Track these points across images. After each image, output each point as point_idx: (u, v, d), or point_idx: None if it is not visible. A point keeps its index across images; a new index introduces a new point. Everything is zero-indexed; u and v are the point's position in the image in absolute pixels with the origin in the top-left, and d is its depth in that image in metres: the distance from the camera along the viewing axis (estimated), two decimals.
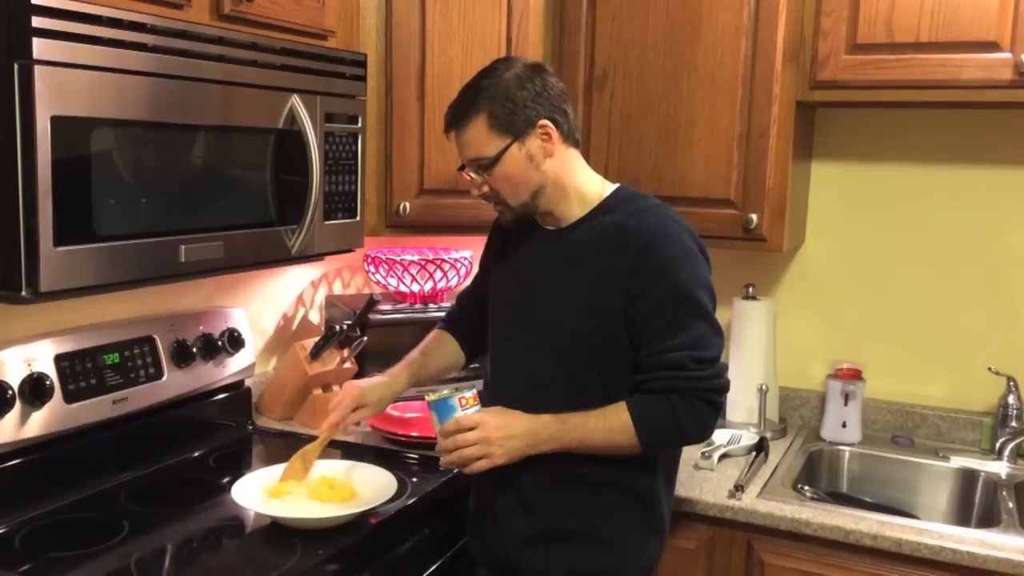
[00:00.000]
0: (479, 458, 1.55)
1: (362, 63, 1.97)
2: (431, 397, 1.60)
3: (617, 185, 1.70)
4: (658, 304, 1.57)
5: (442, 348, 1.91)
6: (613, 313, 1.58)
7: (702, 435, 1.66)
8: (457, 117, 1.62)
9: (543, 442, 1.58)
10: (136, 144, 1.49)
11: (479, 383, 1.63)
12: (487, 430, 1.55)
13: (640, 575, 1.67)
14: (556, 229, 1.68)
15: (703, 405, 1.58)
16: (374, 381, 1.82)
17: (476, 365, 2.37)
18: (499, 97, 1.58)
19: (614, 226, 1.61)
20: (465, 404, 1.57)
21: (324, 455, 1.84)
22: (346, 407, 1.76)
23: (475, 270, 1.98)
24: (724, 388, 1.62)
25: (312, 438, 2.15)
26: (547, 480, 1.61)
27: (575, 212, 1.66)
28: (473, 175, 1.64)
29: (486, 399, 1.79)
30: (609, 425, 1.57)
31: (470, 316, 1.89)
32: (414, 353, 1.89)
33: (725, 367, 1.63)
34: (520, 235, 1.72)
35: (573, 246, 1.64)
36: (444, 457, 1.58)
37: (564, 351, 1.62)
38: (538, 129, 1.60)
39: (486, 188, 1.64)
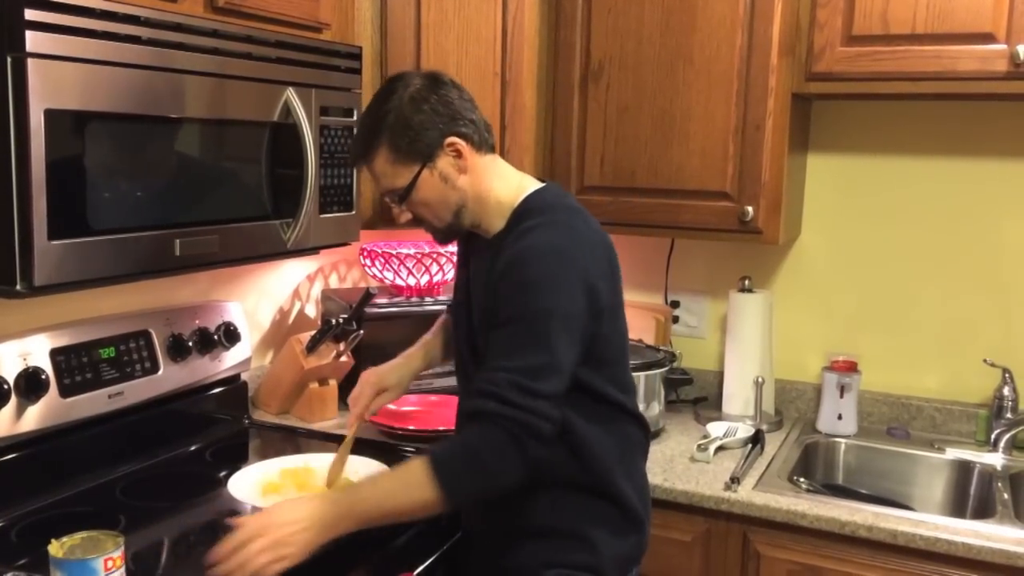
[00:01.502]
0: (273, 562, 1.35)
1: (357, 56, 1.96)
2: (58, 552, 1.25)
3: (535, 188, 1.60)
4: (502, 323, 1.47)
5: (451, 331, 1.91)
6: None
7: (508, 476, 1.43)
8: (358, 153, 1.56)
9: (333, 523, 1.40)
10: (130, 137, 1.48)
11: (122, 538, 1.30)
12: (273, 531, 1.35)
13: (619, 569, 1.65)
14: (488, 242, 1.61)
15: (507, 439, 1.40)
16: (391, 364, 1.82)
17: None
18: (397, 126, 1.50)
19: (507, 246, 1.52)
20: (112, 567, 1.26)
21: (323, 450, 1.86)
22: (367, 396, 1.76)
23: None
24: (537, 430, 1.41)
25: (310, 432, 2.17)
26: (522, 482, 1.59)
27: (496, 224, 1.58)
28: (392, 205, 1.59)
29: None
30: (408, 480, 1.42)
31: None
32: (427, 335, 1.89)
33: (554, 416, 1.44)
34: (468, 242, 1.69)
35: (495, 259, 1.56)
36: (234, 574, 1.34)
37: None
38: (446, 148, 1.53)
39: (408, 215, 1.59)
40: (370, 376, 1.79)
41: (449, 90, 1.55)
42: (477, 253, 1.63)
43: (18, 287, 1.34)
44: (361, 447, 1.97)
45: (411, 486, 1.42)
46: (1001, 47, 1.92)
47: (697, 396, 2.54)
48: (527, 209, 1.56)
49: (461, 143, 1.54)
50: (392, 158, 1.52)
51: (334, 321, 2.22)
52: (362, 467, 1.78)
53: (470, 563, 1.76)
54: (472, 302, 1.62)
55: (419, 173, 1.53)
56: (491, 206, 1.58)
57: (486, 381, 1.45)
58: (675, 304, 2.59)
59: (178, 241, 1.56)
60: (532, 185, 1.61)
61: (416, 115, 1.51)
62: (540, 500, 1.60)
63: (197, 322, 2.01)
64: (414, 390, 2.35)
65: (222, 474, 1.83)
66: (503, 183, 1.60)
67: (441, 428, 2.12)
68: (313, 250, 1.92)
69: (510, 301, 1.47)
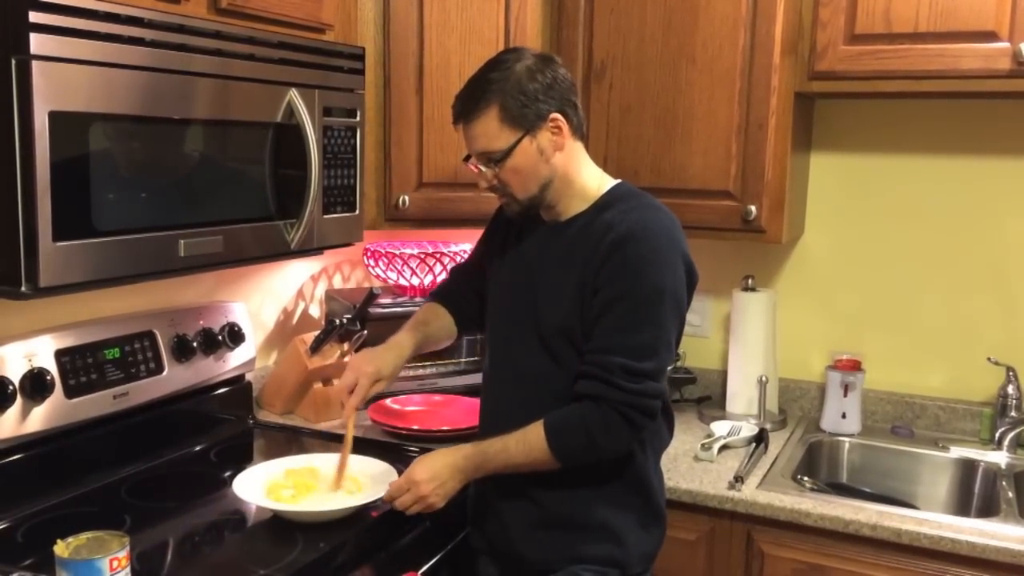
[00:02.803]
0: (422, 510, 1.63)
1: (360, 56, 1.97)
2: (64, 553, 1.26)
3: (617, 181, 1.69)
4: (613, 300, 1.55)
5: (439, 320, 1.91)
6: (587, 308, 1.58)
7: (615, 450, 1.60)
8: (466, 109, 1.59)
9: (470, 475, 1.64)
10: (134, 139, 1.49)
11: (127, 539, 1.31)
12: (420, 488, 1.60)
13: (642, 564, 1.68)
14: (555, 223, 1.67)
15: (619, 420, 1.54)
16: (382, 352, 1.80)
17: (476, 359, 2.39)
18: (511, 90, 1.55)
19: (604, 224, 1.59)
20: (117, 567, 1.28)
21: (327, 450, 1.87)
22: (365, 387, 1.74)
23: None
24: (646, 408, 1.56)
25: (314, 432, 2.17)
26: (546, 472, 1.62)
27: (575, 207, 1.65)
28: (482, 168, 1.62)
29: (483, 390, 1.80)
30: (528, 444, 1.58)
31: (463, 292, 1.90)
32: (413, 322, 1.88)
33: (661, 390, 1.59)
34: (522, 225, 1.72)
35: (567, 242, 1.63)
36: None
37: (551, 344, 1.62)
38: (549, 123, 1.58)
39: (495, 181, 1.62)
40: (365, 365, 1.75)
41: (559, 69, 1.62)
42: (542, 233, 1.68)
43: (23, 288, 1.35)
44: (365, 447, 1.98)
45: (532, 451, 1.58)
46: (1004, 45, 1.92)
47: (701, 395, 2.54)
48: (619, 194, 1.65)
49: (563, 121, 1.59)
50: (500, 119, 1.56)
51: (338, 321, 2.22)
52: (368, 467, 1.78)
53: (482, 557, 1.77)
54: (538, 281, 1.65)
55: (520, 140, 1.58)
56: (575, 189, 1.65)
57: (596, 365, 1.55)
58: None
59: (182, 242, 1.57)
60: (611, 179, 1.69)
61: (531, 84, 1.57)
62: (568, 491, 1.63)
63: (201, 323, 2.01)
64: (417, 390, 2.36)
65: (227, 474, 1.83)
66: (589, 171, 1.68)
67: (445, 428, 2.12)
68: (317, 250, 1.93)
69: (621, 278, 1.55)
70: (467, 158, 1.66)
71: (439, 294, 1.96)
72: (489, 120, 1.57)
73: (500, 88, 1.56)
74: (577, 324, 1.59)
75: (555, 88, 1.58)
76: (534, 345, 1.64)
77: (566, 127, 1.60)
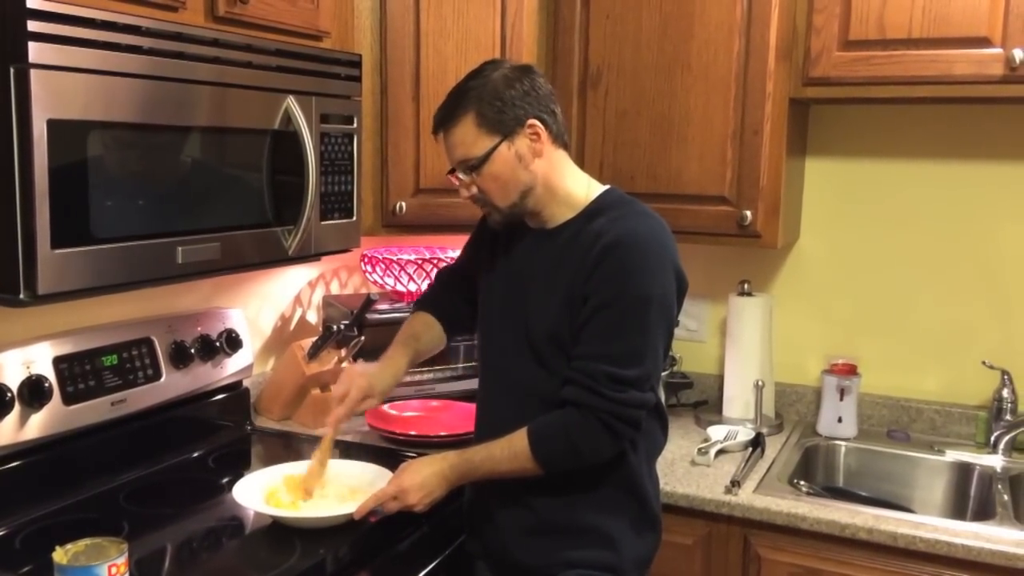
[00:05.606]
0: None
1: (357, 64, 1.97)
2: (62, 559, 1.27)
3: (606, 187, 1.69)
4: (600, 308, 1.55)
5: (430, 331, 1.91)
6: (576, 316, 1.58)
7: (598, 457, 1.59)
8: (445, 118, 1.61)
9: (455, 483, 1.64)
10: (132, 146, 1.49)
11: (126, 545, 1.32)
12: (408, 497, 1.60)
13: (637, 569, 1.69)
14: (543, 231, 1.67)
15: (601, 428, 1.54)
16: (378, 369, 1.81)
17: (473, 364, 2.39)
18: (487, 96, 1.56)
19: (593, 232, 1.59)
20: (116, 573, 1.28)
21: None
22: (355, 399, 1.75)
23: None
24: (629, 418, 1.55)
25: (313, 438, 2.17)
26: (540, 478, 1.62)
27: (562, 214, 1.65)
28: (462, 176, 1.63)
29: (477, 397, 1.80)
30: (514, 451, 1.58)
31: (449, 298, 1.91)
32: (404, 336, 1.89)
33: (646, 400, 1.57)
34: (510, 234, 1.72)
35: (556, 250, 1.63)
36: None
37: (542, 352, 1.62)
38: (527, 128, 1.58)
39: (475, 189, 1.62)
40: (359, 379, 1.77)
41: (537, 78, 1.62)
42: (531, 241, 1.68)
43: (22, 296, 1.36)
44: (363, 453, 1.99)
45: (516, 459, 1.58)
46: (997, 51, 1.93)
47: (697, 400, 2.54)
48: (608, 201, 1.65)
49: (541, 127, 1.60)
50: (476, 124, 1.57)
51: (335, 327, 2.23)
52: (366, 473, 1.78)
53: (478, 562, 1.77)
54: (527, 289, 1.65)
55: (497, 145, 1.58)
56: (559, 196, 1.65)
57: (581, 372, 1.55)
58: None
59: (180, 249, 1.57)
60: (600, 185, 1.69)
61: (507, 90, 1.58)
62: (561, 497, 1.63)
63: (199, 329, 2.01)
64: (414, 395, 2.37)
65: (225, 480, 1.84)
66: (574, 178, 1.67)
67: (443, 433, 2.12)
68: (314, 256, 1.93)
69: (610, 285, 1.54)
70: (451, 170, 1.66)
71: (425, 302, 1.96)
72: (466, 127, 1.58)
73: (477, 95, 1.57)
74: (567, 332, 1.59)
75: (532, 95, 1.59)
76: (525, 353, 1.64)
77: (545, 134, 1.60)
